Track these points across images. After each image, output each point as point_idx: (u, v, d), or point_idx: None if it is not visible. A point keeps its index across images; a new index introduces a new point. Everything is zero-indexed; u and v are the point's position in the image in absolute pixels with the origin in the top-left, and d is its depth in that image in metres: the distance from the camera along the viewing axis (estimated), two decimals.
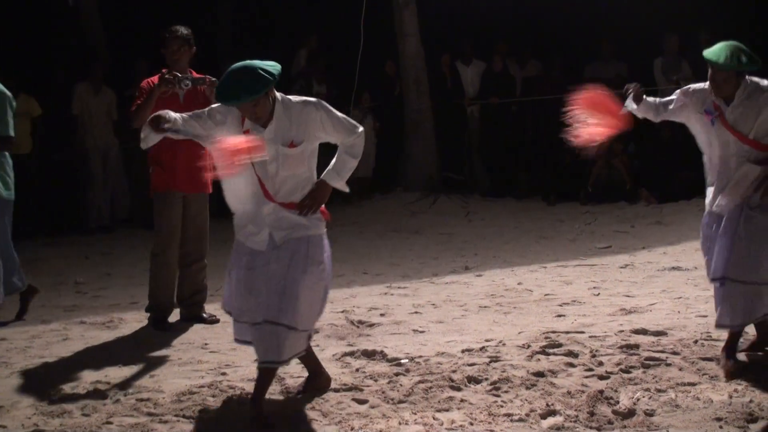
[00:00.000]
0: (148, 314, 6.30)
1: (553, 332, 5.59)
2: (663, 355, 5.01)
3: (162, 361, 5.38)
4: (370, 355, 5.26)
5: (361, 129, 4.47)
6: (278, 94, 4.30)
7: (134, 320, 6.47)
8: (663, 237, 9.41)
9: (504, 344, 5.38)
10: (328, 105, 4.39)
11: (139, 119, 5.76)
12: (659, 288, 6.94)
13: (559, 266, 8.11)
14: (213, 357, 5.44)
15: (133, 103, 6.17)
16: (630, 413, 4.19)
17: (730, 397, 4.35)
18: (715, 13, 12.29)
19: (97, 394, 4.70)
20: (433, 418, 4.23)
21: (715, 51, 4.75)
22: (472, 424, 4.18)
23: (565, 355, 5.11)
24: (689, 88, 5.02)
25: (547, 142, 12.28)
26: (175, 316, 6.39)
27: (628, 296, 6.72)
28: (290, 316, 4.21)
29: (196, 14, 13.90)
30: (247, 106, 4.15)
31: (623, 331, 5.58)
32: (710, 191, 4.99)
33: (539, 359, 5.04)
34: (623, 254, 8.64)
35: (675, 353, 5.04)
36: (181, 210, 6.23)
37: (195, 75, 6.18)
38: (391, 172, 12.90)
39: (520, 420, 4.19)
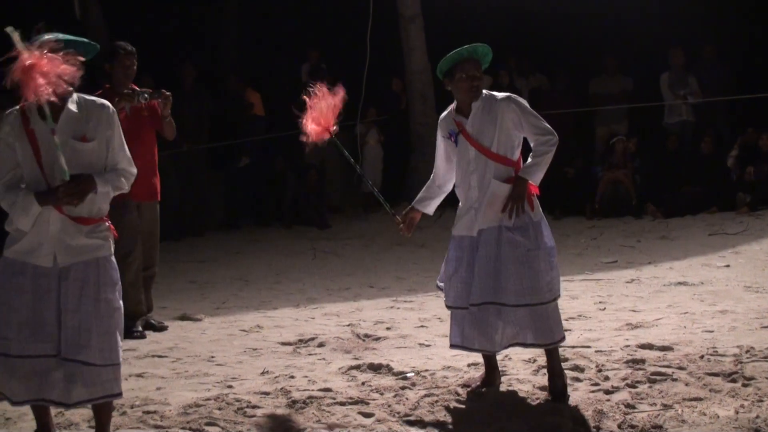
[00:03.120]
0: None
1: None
2: (669, 370, 5.00)
3: (168, 373, 5.39)
4: (376, 368, 5.27)
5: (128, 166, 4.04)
6: (75, 94, 3.93)
7: None
8: (669, 252, 9.40)
9: (510, 358, 5.38)
10: (117, 118, 4.00)
11: None
12: (665, 303, 6.93)
13: (565, 281, 8.06)
14: (219, 370, 5.45)
15: None
16: (636, 428, 4.19)
17: (737, 412, 4.33)
18: (720, 28, 12.33)
19: None
20: None
21: (466, 49, 4.89)
22: None
23: (571, 369, 5.11)
24: (440, 121, 4.92)
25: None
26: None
27: (634, 311, 6.71)
28: (87, 352, 3.83)
29: (201, 28, 14.00)
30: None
31: (629, 345, 5.57)
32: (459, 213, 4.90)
33: (545, 373, 5.04)
34: (629, 269, 8.63)
35: (681, 368, 5.03)
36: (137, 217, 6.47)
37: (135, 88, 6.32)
38: (398, 186, 12.92)
39: None
